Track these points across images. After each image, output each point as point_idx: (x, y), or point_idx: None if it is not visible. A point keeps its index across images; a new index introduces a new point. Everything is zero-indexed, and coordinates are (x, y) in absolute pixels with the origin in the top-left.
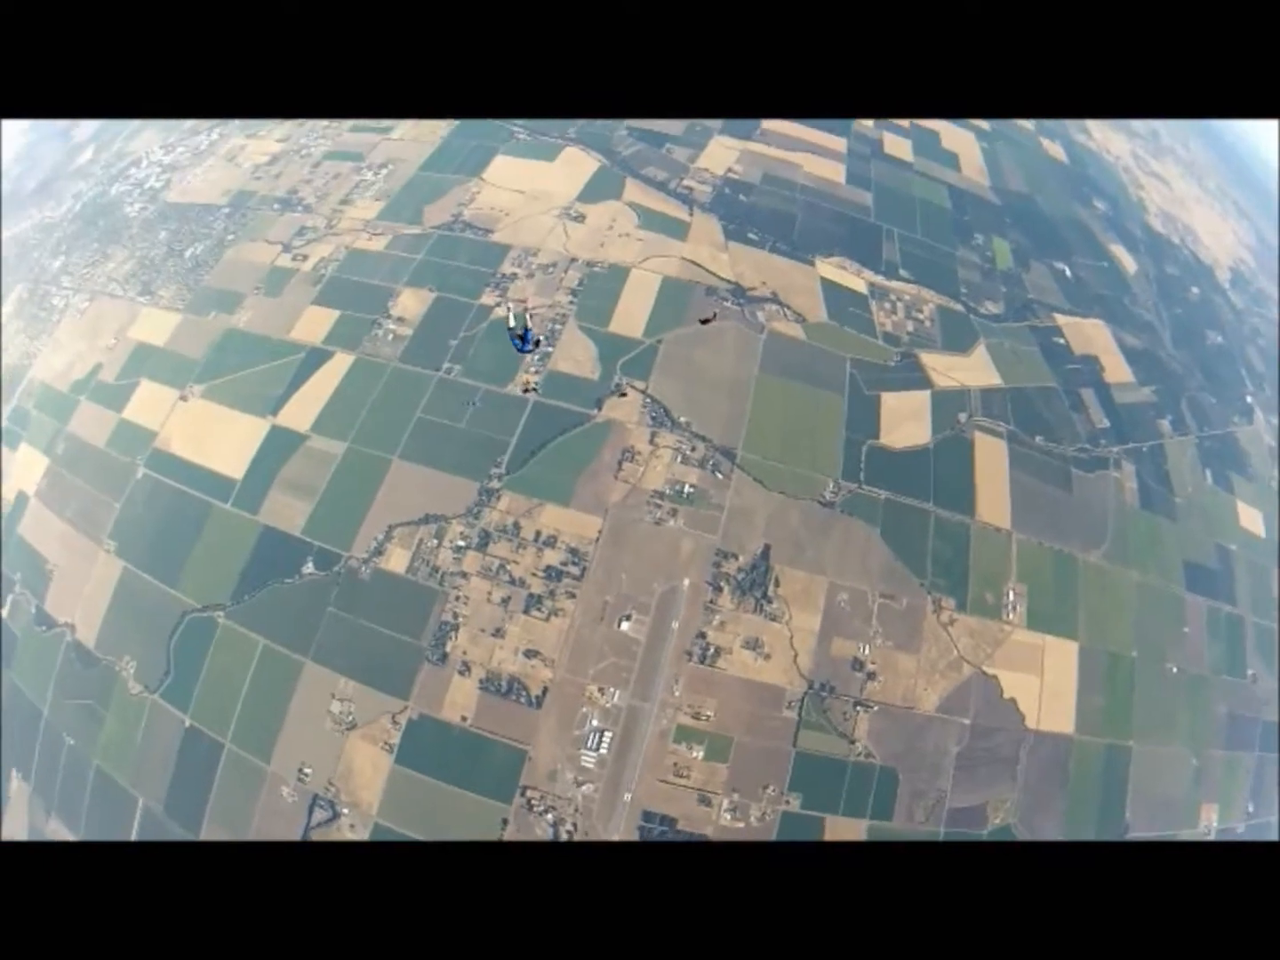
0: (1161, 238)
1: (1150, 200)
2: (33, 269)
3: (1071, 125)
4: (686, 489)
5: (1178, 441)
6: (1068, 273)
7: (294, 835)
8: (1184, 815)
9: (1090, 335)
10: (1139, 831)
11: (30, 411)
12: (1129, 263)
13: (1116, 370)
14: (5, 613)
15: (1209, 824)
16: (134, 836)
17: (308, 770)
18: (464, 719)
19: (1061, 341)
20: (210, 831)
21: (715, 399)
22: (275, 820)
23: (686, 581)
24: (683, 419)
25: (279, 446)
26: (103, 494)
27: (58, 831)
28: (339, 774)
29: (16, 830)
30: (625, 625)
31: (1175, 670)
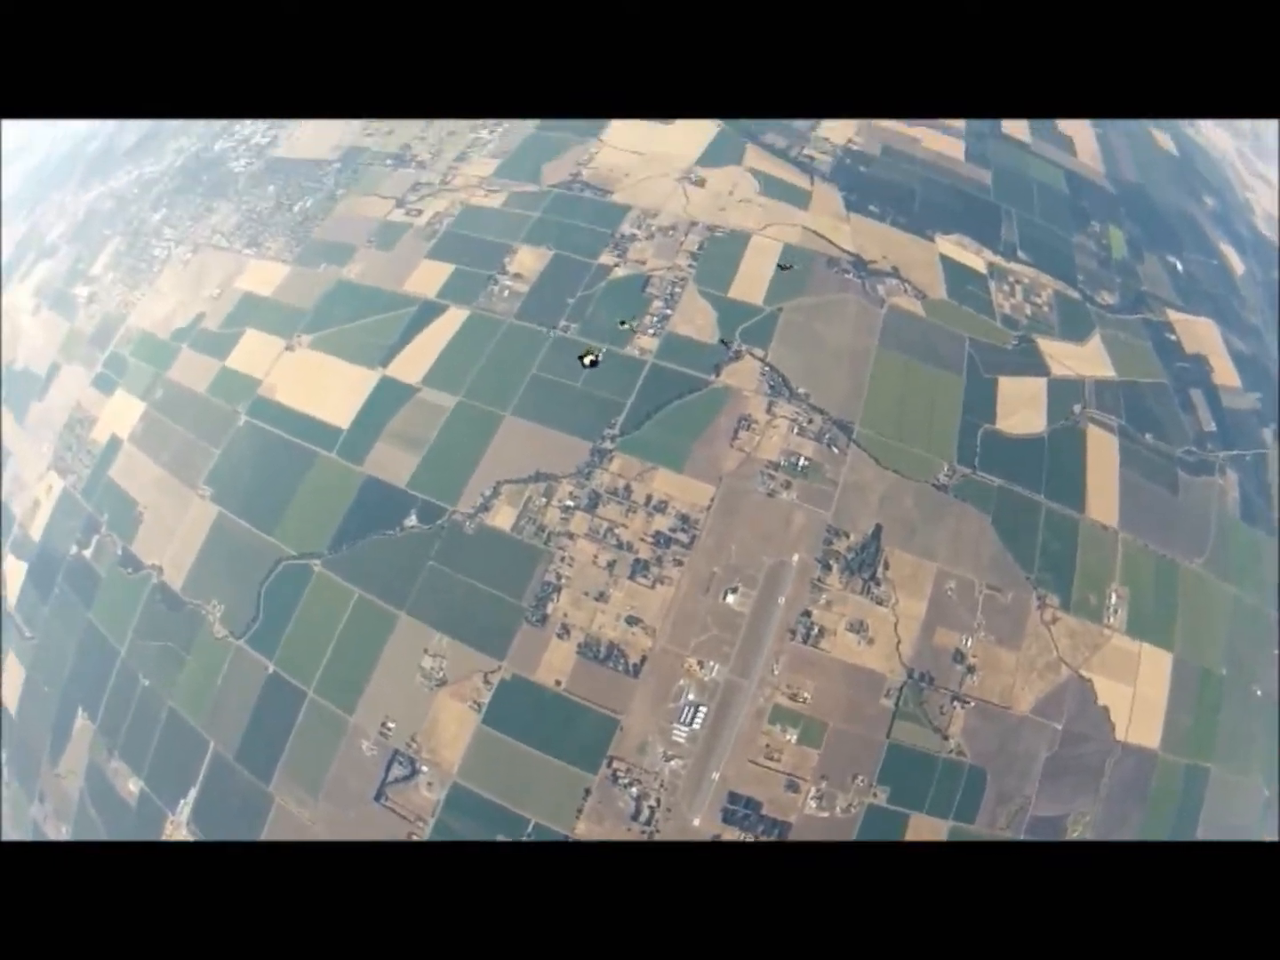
0: (1267, 240)
1: (1257, 202)
2: (130, 222)
3: None
4: (802, 461)
5: None
6: (1179, 267)
7: (369, 790)
8: None
9: (1201, 334)
10: None
11: (127, 359)
12: (1237, 263)
13: (1225, 373)
14: (89, 554)
15: None
16: (200, 780)
17: (391, 725)
18: (558, 683)
19: (1173, 338)
20: (282, 781)
21: (834, 371)
22: (351, 773)
23: (796, 557)
24: (801, 389)
25: (388, 397)
26: (201, 440)
27: (119, 770)
28: (423, 730)
29: (74, 764)
30: (730, 598)
31: (1260, 694)
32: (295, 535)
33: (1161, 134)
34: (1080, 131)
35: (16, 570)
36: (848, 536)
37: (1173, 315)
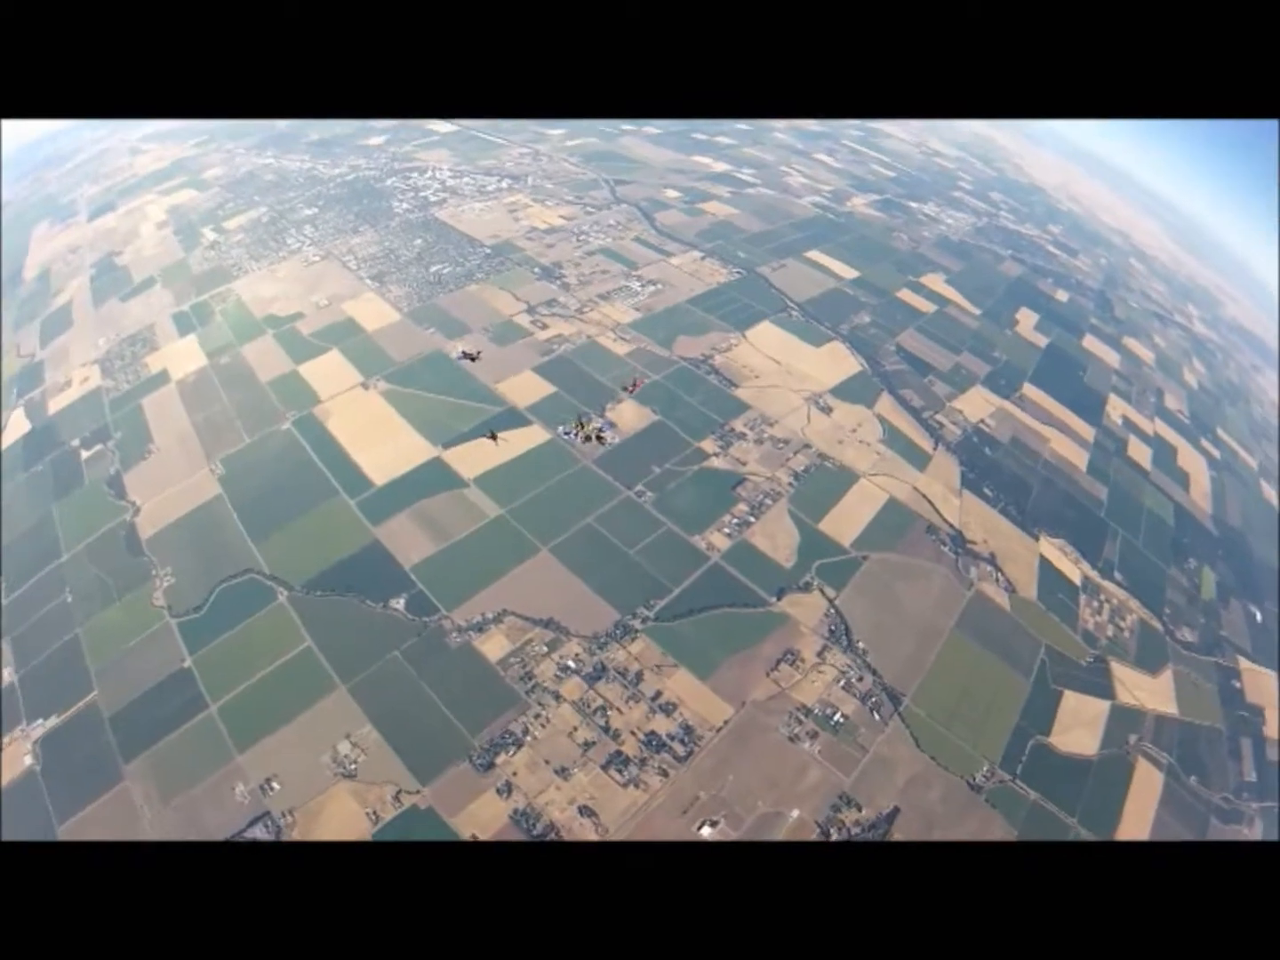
0: None
1: None
2: (283, 203)
3: None
4: (837, 716)
5: None
6: (1258, 617)
7: (220, 832)
8: None
9: (1263, 686)
10: None
11: (215, 314)
12: None
13: (1276, 726)
14: (85, 456)
15: None
16: (68, 715)
17: (275, 785)
18: (474, 838)
19: (1238, 686)
20: (140, 767)
21: (902, 637)
22: (211, 806)
23: (796, 813)
24: (861, 644)
25: (434, 479)
26: (239, 421)
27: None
28: (305, 809)
29: None
30: (706, 830)
31: None
32: (276, 556)
33: (1269, 486)
34: (1197, 468)
35: (19, 425)
36: (860, 810)
37: (1243, 663)
